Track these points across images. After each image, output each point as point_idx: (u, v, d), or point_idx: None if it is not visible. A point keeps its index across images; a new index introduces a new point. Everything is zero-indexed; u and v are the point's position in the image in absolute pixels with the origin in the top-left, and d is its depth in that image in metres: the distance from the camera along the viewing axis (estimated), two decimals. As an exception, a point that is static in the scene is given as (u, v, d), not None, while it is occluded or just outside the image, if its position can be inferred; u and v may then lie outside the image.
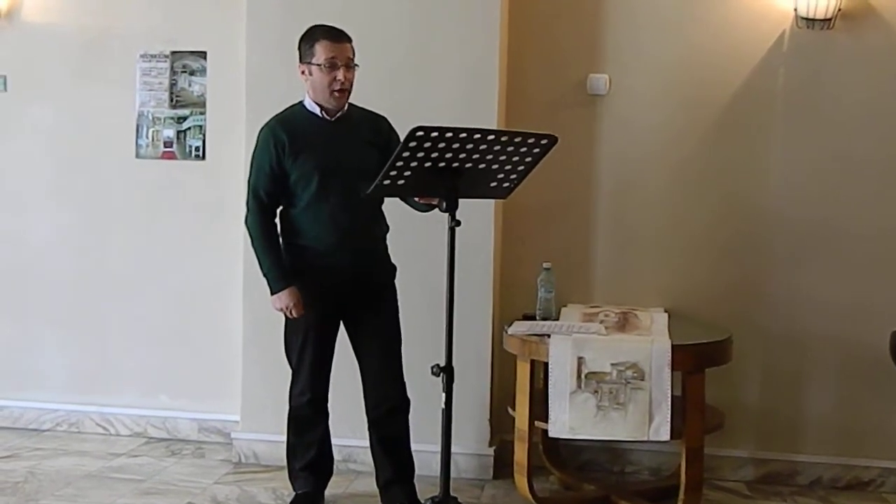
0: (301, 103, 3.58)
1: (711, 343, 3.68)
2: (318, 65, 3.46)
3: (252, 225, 3.56)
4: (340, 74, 3.46)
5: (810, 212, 4.18)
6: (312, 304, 3.55)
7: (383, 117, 3.65)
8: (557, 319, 3.91)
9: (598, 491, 4.01)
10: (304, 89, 3.56)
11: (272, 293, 3.54)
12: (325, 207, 3.50)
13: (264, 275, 3.55)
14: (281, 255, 3.56)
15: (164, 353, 4.65)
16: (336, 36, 3.49)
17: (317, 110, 3.54)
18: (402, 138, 3.04)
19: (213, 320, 4.58)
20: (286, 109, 3.60)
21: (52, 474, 4.12)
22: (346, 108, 3.56)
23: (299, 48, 3.53)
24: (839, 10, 4.00)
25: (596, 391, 3.50)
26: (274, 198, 3.55)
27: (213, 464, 4.33)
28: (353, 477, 4.13)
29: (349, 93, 3.52)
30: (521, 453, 3.72)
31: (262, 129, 3.56)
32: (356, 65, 3.52)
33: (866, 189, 4.14)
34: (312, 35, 3.51)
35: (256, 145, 3.57)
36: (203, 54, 4.55)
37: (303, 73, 3.52)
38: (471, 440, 4.15)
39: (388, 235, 3.70)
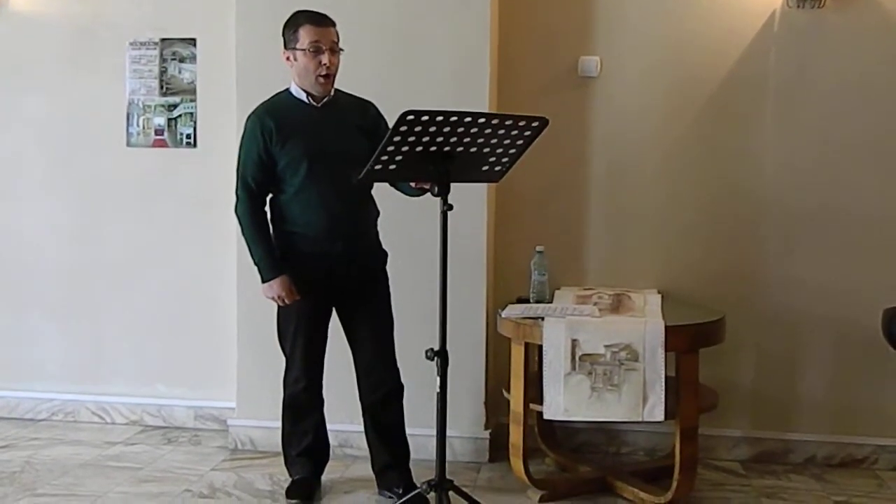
0: (287, 90, 3.56)
1: (705, 323, 3.68)
2: (303, 50, 3.44)
3: (242, 213, 3.54)
4: (325, 58, 3.44)
5: (802, 192, 4.18)
6: (304, 291, 3.54)
7: (370, 102, 3.63)
8: (551, 302, 3.91)
9: (594, 472, 4.02)
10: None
11: (263, 281, 3.53)
12: (315, 193, 3.49)
13: (255, 263, 3.54)
14: (272, 243, 3.55)
15: (159, 341, 4.65)
16: (319, 20, 3.47)
17: (303, 96, 3.52)
18: (391, 123, 3.03)
19: (208, 307, 4.58)
20: (273, 97, 3.59)
21: (49, 463, 4.12)
22: (332, 93, 3.54)
23: (283, 35, 3.51)
24: (829, -13, 4.00)
25: (590, 373, 3.50)
26: (263, 186, 3.53)
27: (209, 451, 4.33)
28: (350, 462, 4.15)
29: (334, 77, 3.51)
30: (516, 436, 3.73)
31: (249, 117, 3.55)
32: (341, 49, 3.50)
33: (858, 170, 4.14)
34: (296, 20, 3.49)
35: (244, 134, 3.55)
36: (193, 41, 4.53)
37: (288, 59, 3.50)
38: (466, 423, 4.17)
39: (379, 221, 3.69)
